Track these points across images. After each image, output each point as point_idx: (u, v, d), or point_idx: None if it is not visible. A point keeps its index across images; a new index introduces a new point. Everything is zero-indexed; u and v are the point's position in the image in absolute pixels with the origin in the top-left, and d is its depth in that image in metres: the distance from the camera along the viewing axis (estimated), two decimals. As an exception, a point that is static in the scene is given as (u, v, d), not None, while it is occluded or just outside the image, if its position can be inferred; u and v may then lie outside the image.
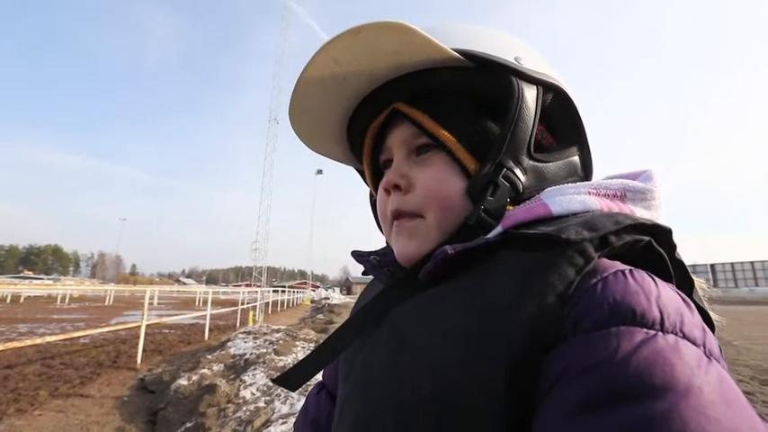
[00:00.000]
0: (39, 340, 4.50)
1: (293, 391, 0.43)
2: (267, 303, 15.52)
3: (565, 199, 0.35)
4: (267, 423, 3.06)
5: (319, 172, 44.81)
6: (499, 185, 0.37)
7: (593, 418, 0.23)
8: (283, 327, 8.59)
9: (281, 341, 6.28)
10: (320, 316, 15.33)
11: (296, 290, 32.97)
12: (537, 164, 0.39)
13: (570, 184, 0.38)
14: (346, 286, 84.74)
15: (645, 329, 0.25)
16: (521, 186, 0.38)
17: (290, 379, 0.41)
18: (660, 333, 0.25)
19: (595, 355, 0.25)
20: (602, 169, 0.45)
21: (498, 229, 0.35)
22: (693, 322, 0.27)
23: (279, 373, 0.42)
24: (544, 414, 0.26)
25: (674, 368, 0.23)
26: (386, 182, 0.42)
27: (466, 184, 0.38)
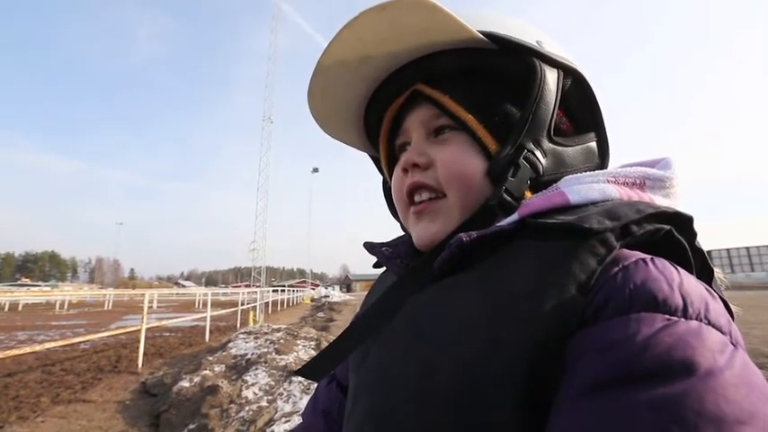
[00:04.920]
0: (38, 347, 4.49)
1: (316, 381, 0.44)
2: (267, 303, 15.53)
3: (583, 188, 0.35)
4: (270, 422, 3.07)
5: (315, 170, 44.62)
6: (520, 166, 0.37)
7: (611, 395, 0.23)
8: (284, 326, 8.57)
9: (282, 340, 6.28)
10: (321, 314, 15.40)
11: (295, 289, 32.96)
12: (556, 147, 0.40)
13: (588, 173, 0.38)
14: (346, 284, 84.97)
15: (666, 315, 0.25)
16: (541, 168, 0.38)
17: (312, 370, 0.41)
18: (683, 319, 0.25)
19: (615, 337, 0.25)
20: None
21: (514, 217, 0.35)
22: (718, 310, 0.27)
23: (281, 372, 0.41)
24: (561, 391, 0.26)
25: (696, 351, 0.23)
26: (405, 161, 0.42)
27: (486, 165, 0.39)
